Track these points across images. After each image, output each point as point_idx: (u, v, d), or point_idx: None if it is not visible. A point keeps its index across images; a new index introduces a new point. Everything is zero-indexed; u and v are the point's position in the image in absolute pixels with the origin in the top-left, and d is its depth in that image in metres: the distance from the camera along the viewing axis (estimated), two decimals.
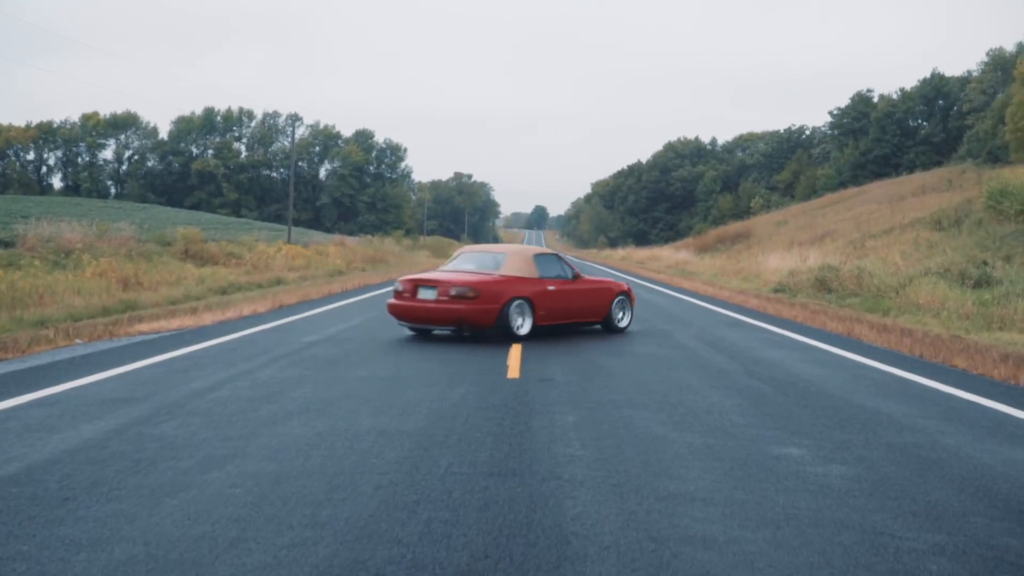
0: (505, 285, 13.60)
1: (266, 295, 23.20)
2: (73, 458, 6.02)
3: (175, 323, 15.78)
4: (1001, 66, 76.46)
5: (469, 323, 13.42)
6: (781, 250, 50.17)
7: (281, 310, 19.11)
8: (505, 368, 10.55)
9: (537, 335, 13.93)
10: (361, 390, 8.85)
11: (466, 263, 14.85)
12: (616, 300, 15.28)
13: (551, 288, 14.15)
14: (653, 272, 47.60)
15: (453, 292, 13.21)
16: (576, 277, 14.87)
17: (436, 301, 13.39)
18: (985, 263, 25.61)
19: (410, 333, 14.49)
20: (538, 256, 14.64)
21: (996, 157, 61.60)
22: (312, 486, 5.40)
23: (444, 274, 14.15)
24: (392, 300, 14.12)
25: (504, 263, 14.24)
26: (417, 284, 13.76)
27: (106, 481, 5.47)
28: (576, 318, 14.87)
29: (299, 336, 13.91)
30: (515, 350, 12.27)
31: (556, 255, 15.15)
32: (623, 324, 15.43)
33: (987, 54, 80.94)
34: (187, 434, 6.82)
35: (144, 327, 15.11)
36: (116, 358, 11.08)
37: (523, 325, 13.69)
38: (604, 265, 64.36)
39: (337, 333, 14.47)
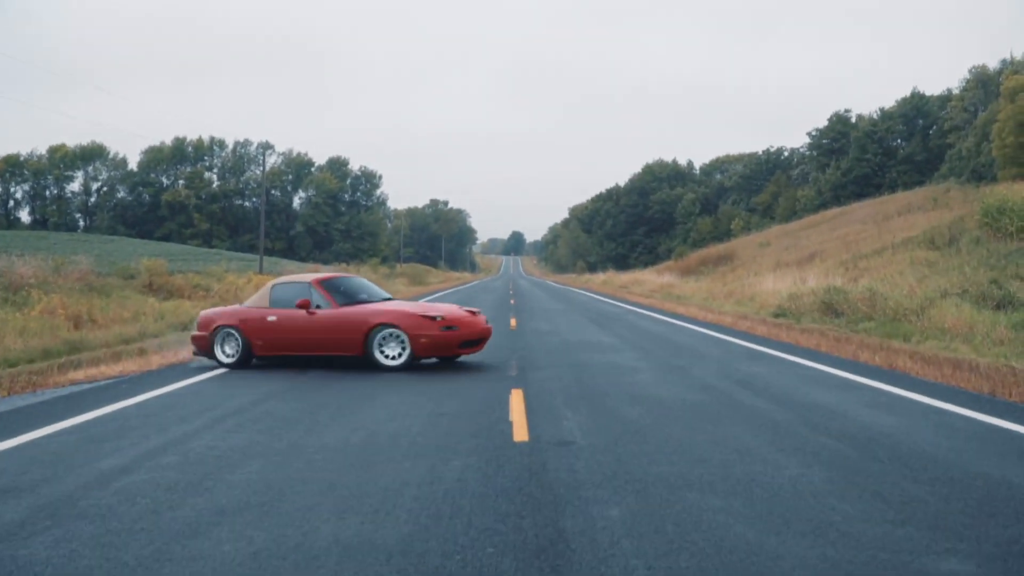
0: (217, 316, 14.43)
1: None
2: None
3: (117, 368, 13.66)
4: (983, 83, 75.55)
5: (197, 348, 14.52)
6: (767, 272, 48.67)
7: None
8: (508, 424, 8.41)
9: (536, 377, 11.89)
10: (324, 467, 6.67)
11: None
12: (375, 333, 13.25)
13: (271, 319, 13.84)
14: (639, 296, 45.57)
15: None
16: (333, 306, 13.69)
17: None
18: (996, 282, 23.95)
19: (387, 373, 12.51)
20: (278, 286, 14.57)
21: (980, 175, 60.67)
22: None
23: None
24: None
25: (256, 294, 15.07)
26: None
27: None
28: (314, 350, 13.74)
29: (256, 383, 11.74)
30: (516, 398, 10.14)
31: (309, 285, 14.17)
32: (390, 362, 13.20)
33: (969, 71, 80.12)
34: (62, 558, 4.67)
35: (79, 374, 13.00)
36: (24, 421, 8.93)
37: (231, 354, 14.04)
38: (586, 290, 62.28)
39: (303, 378, 12.30)
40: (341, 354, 13.54)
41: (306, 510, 5.50)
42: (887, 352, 14.99)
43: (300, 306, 13.54)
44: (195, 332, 14.49)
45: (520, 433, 7.95)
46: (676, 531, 5.03)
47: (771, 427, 8.36)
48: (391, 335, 13.24)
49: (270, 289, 14.45)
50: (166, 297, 32.20)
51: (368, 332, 13.21)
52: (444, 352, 13.47)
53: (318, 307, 13.63)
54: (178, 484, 6.20)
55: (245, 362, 13.89)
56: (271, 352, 13.95)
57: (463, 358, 14.22)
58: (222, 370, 13.37)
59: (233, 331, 13.96)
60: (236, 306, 15.07)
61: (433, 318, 13.19)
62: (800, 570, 4.43)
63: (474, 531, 5.03)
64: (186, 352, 15.53)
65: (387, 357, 13.22)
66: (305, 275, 15.43)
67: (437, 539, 4.89)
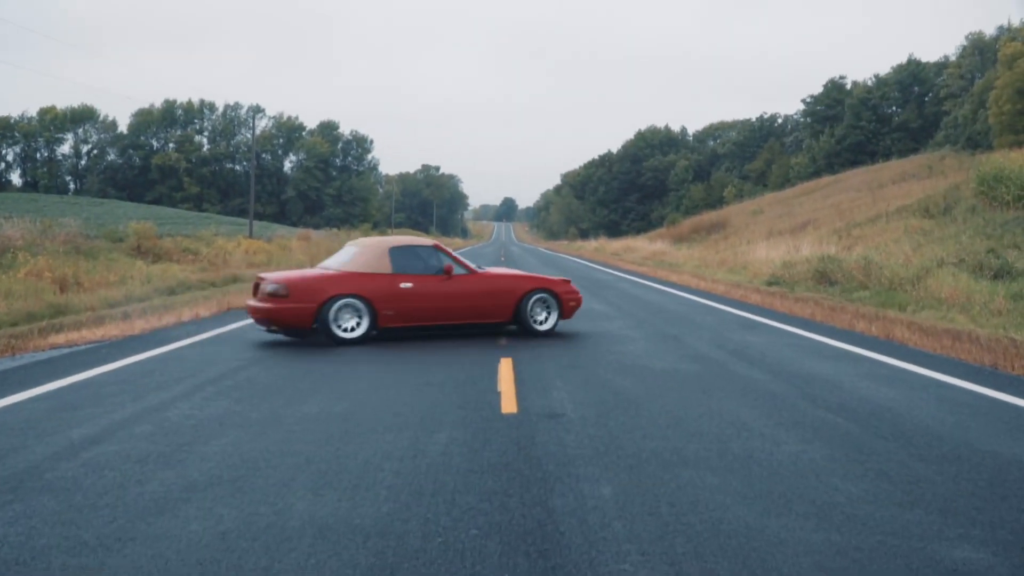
0: (328, 282, 12.21)
1: (216, 295, 20.64)
2: None
3: (99, 332, 13.30)
4: (980, 50, 75.01)
5: (279, 324, 12.13)
6: (760, 240, 48.36)
7: (228, 314, 16.60)
8: (496, 395, 8.12)
9: (527, 345, 11.62)
10: (303, 439, 6.37)
11: (341, 257, 13.37)
12: (528, 298, 13.16)
13: (405, 285, 12.45)
14: (632, 264, 45.24)
15: (268, 290, 12.12)
16: (471, 271, 13.10)
17: (258, 299, 12.33)
18: (992, 252, 23.69)
19: (372, 342, 12.18)
20: (396, 249, 12.88)
21: (976, 143, 60.28)
22: None
23: (277, 271, 13.11)
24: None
25: (352, 258, 12.89)
26: (258, 282, 12.64)
27: None
28: (454, 319, 12.96)
29: (239, 349, 11.43)
30: (505, 367, 9.85)
31: (433, 247, 13.24)
32: (539, 327, 13.16)
33: (966, 38, 79.55)
34: (20, 535, 4.38)
35: (60, 338, 12.66)
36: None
37: (356, 327, 12.20)
38: (578, 257, 61.95)
39: (287, 345, 11.99)
40: (483, 322, 13.03)
41: (281, 485, 5.21)
42: (884, 322, 14.74)
43: (446, 271, 12.68)
44: (288, 303, 11.93)
45: (508, 404, 7.66)
46: (671, 512, 4.76)
47: (768, 399, 8.09)
48: (540, 300, 13.19)
49: (389, 252, 12.71)
50: (154, 260, 31.72)
51: (522, 297, 13.03)
52: (570, 316, 13.68)
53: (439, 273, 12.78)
54: (149, 456, 5.91)
55: (364, 337, 12.21)
56: (400, 323, 12.53)
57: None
58: (205, 335, 13.03)
59: (356, 301, 12.15)
60: (323, 271, 12.85)
61: (568, 282, 13.66)
62: (804, 557, 4.15)
63: (457, 510, 4.75)
64: (170, 316, 15.21)
65: (536, 323, 13.11)
66: (403, 238, 14.08)
67: (418, 519, 4.60)
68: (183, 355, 10.90)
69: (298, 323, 12.03)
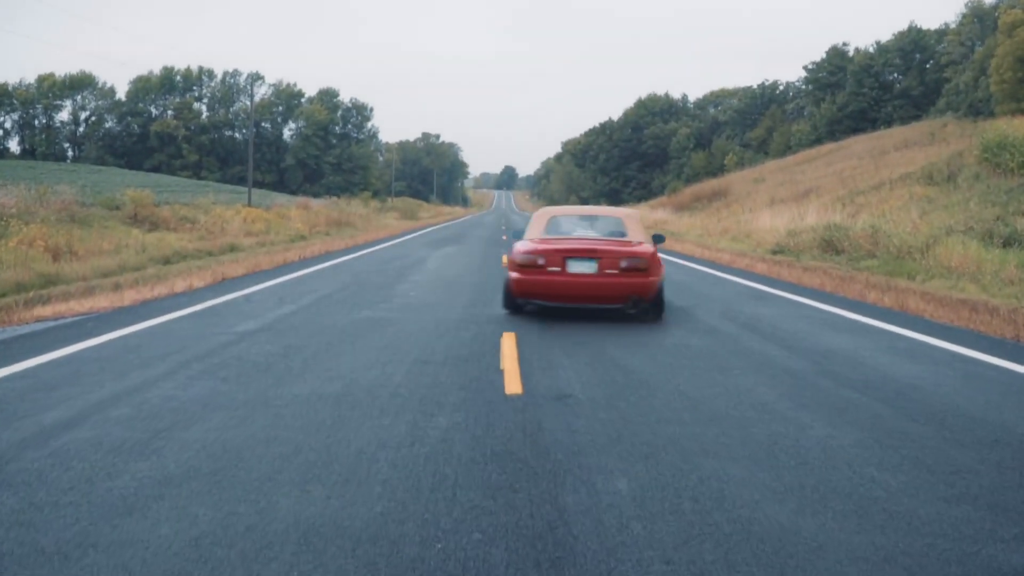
0: (655, 256, 11.61)
1: (211, 265, 20.17)
2: None
3: (88, 304, 12.84)
4: (980, 17, 74.09)
5: (642, 298, 11.21)
6: (762, 208, 47.89)
7: (222, 284, 16.13)
8: (499, 374, 7.65)
9: (530, 318, 11.18)
10: (291, 425, 5.90)
11: (573, 227, 12.62)
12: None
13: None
14: None
15: (624, 264, 11.08)
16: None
17: (601, 275, 11.09)
18: (1001, 219, 23.22)
19: (368, 316, 11.66)
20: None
21: (977, 110, 59.63)
22: None
23: (597, 243, 11.63)
24: (521, 275, 11.44)
25: (627, 228, 12.27)
26: (566, 255, 11.20)
27: None
28: None
29: (231, 323, 10.95)
30: (508, 341, 9.39)
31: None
32: None
33: (966, 5, 78.52)
34: None
35: (47, 310, 12.22)
36: None
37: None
38: None
39: (280, 318, 11.51)
40: None
41: (264, 480, 4.74)
42: (896, 292, 14.29)
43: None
44: (650, 278, 11.20)
45: (513, 384, 7.19)
46: (695, 510, 4.30)
47: (787, 377, 7.64)
48: None
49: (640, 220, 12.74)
50: (151, 229, 31.25)
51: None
52: None
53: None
54: (124, 444, 5.45)
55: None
56: None
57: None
58: (197, 308, 12.55)
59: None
60: (595, 241, 11.73)
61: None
62: (849, 565, 3.69)
63: (459, 509, 4.28)
64: (162, 287, 14.75)
65: None
66: (605, 208, 14.29)
67: (415, 520, 4.14)
68: (171, 329, 10.44)
69: (652, 296, 11.35)
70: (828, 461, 5.15)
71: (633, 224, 12.43)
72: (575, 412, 6.29)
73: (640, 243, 11.74)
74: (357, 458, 5.14)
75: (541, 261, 11.22)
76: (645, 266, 11.15)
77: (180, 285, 15.39)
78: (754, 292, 15.22)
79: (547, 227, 12.45)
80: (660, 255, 12.03)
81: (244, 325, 10.77)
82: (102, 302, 13.10)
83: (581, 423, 5.97)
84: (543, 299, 11.58)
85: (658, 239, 12.75)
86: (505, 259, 22.30)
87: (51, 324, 10.97)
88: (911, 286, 15.52)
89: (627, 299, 11.15)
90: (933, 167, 39.98)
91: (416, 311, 12.29)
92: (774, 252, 26.31)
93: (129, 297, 13.65)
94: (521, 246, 11.77)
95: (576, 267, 11.11)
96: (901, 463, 5.12)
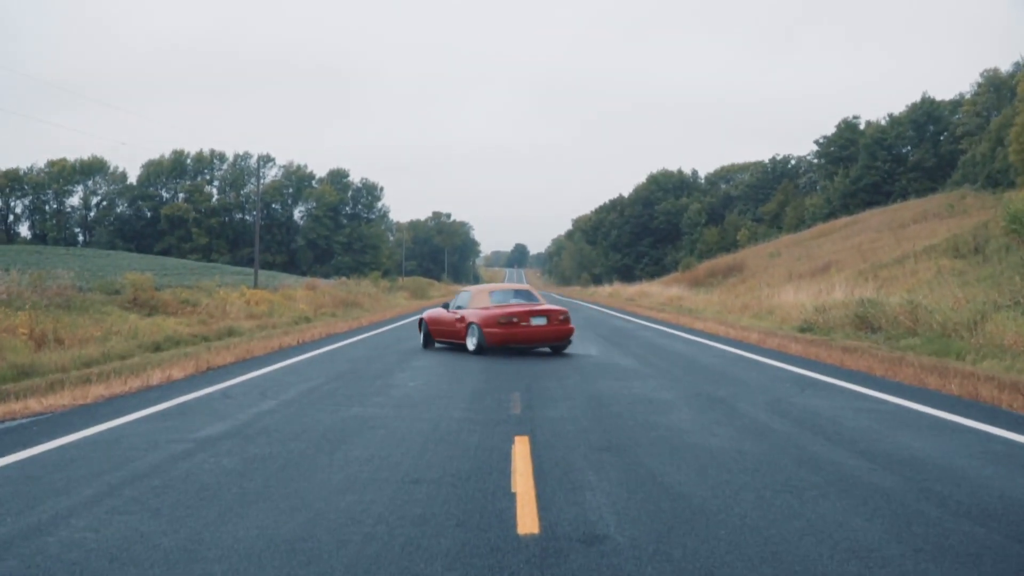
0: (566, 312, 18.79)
1: (201, 352, 18.59)
2: None
3: (48, 401, 11.36)
4: (996, 86, 73.41)
5: (568, 339, 18.42)
6: (780, 283, 46.53)
7: (204, 376, 14.57)
8: (511, 500, 5.96)
9: (546, 411, 9.54)
10: None
11: (502, 298, 19.30)
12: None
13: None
14: (649, 310, 43.10)
15: (561, 318, 18.18)
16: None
17: (550, 325, 17.99)
18: None
19: (357, 414, 10.01)
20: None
21: (996, 181, 58.72)
22: None
23: (538, 305, 18.72)
24: (496, 329, 17.64)
25: (535, 296, 19.95)
26: (531, 314, 17.90)
27: None
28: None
29: (194, 427, 9.31)
30: (521, 451, 7.69)
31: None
32: None
33: (981, 75, 78.07)
34: None
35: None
36: None
37: None
38: (593, 303, 59.82)
39: (254, 418, 9.86)
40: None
41: None
42: (959, 377, 12.56)
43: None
44: (567, 326, 18.42)
45: (527, 517, 5.48)
46: None
47: (881, 502, 5.94)
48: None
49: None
50: (150, 313, 29.83)
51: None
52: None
53: None
54: None
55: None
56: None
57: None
58: (164, 406, 10.94)
59: None
60: (532, 304, 18.95)
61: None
62: None
63: None
64: (136, 380, 13.20)
65: None
66: (513, 284, 23.88)
67: None
68: (121, 436, 8.82)
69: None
70: None
71: (537, 293, 20.51)
72: (612, 567, 4.59)
73: (554, 305, 19.62)
74: None
75: (515, 319, 17.68)
76: (567, 318, 18.31)
77: (157, 377, 13.86)
78: (796, 378, 13.54)
79: (490, 298, 19.10)
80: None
81: (209, 428, 9.14)
82: (64, 399, 11.58)
83: None
84: (514, 343, 17.79)
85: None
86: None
87: None
88: (975, 370, 13.80)
89: (556, 340, 18.12)
90: (958, 239, 38.69)
91: (414, 407, 10.62)
92: (802, 330, 24.70)
93: (95, 393, 12.11)
94: (491, 312, 18.07)
95: (536, 321, 17.81)
96: None
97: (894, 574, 4.47)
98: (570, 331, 18.07)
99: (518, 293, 19.72)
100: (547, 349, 18.50)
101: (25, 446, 8.24)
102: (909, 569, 4.54)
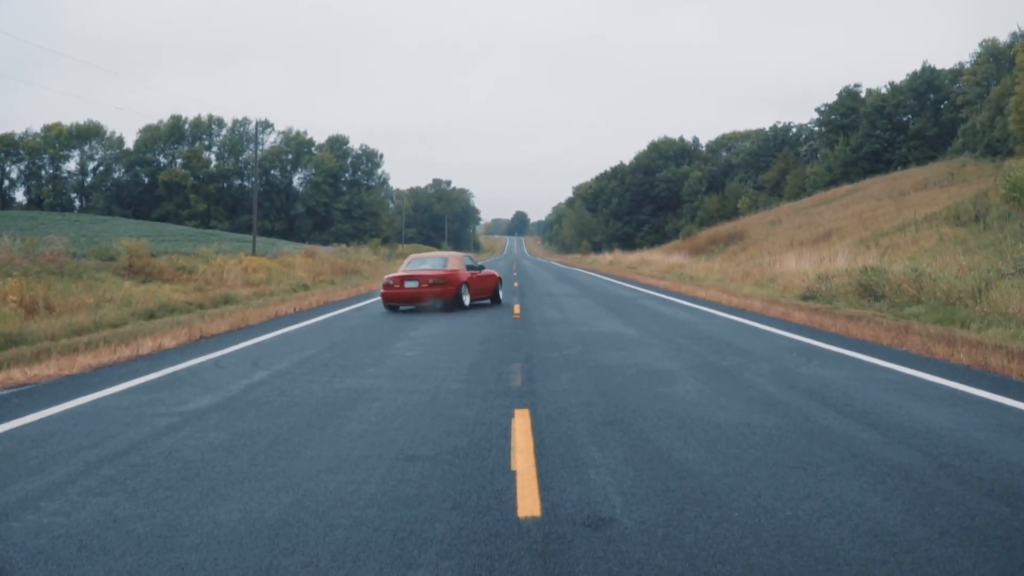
0: (455, 275, 21.73)
1: (194, 320, 18.27)
2: None
3: (32, 371, 11.06)
4: (995, 56, 72.76)
5: (445, 299, 21.27)
6: (781, 251, 46.15)
7: (196, 344, 14.25)
8: (510, 478, 5.65)
9: (549, 380, 9.20)
10: None
11: (420, 264, 22.83)
12: (498, 282, 24.80)
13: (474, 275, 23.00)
14: (650, 278, 42.72)
15: (431, 281, 21.23)
16: (480, 269, 24.17)
17: (421, 287, 21.17)
18: None
19: (352, 386, 9.68)
20: (464, 257, 23.99)
21: (995, 150, 58.44)
22: None
23: (422, 271, 21.75)
24: (384, 290, 21.79)
25: (449, 262, 22.76)
26: (403, 278, 21.45)
27: None
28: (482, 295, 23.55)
29: (182, 399, 9.00)
30: (521, 425, 7.37)
31: (470, 257, 24.80)
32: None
33: (980, 45, 77.44)
34: None
35: None
36: None
37: (466, 299, 21.81)
38: (594, 271, 59.45)
39: (245, 390, 9.55)
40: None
41: None
42: (968, 346, 12.22)
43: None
44: (448, 287, 21.51)
45: (528, 499, 5.16)
46: None
47: (899, 479, 5.63)
48: (499, 284, 25.43)
49: (463, 258, 23.89)
50: (145, 280, 29.44)
51: (496, 282, 24.90)
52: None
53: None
54: None
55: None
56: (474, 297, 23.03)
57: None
58: (152, 376, 10.63)
59: (465, 285, 22.21)
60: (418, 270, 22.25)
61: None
62: None
63: None
64: (126, 349, 12.89)
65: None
66: (444, 252, 27.82)
67: None
68: (104, 408, 8.51)
69: (448, 297, 21.38)
70: None
71: (454, 260, 23.02)
72: (620, 554, 4.27)
73: (453, 270, 21.95)
74: None
75: (391, 282, 21.63)
76: (444, 282, 21.28)
77: (148, 346, 13.54)
78: (802, 347, 13.21)
79: (407, 265, 22.83)
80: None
81: (197, 401, 8.83)
82: (49, 369, 11.28)
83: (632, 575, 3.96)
84: (397, 302, 21.55)
85: (475, 267, 23.86)
86: (517, 309, 20.46)
87: None
88: (983, 339, 13.50)
89: (436, 299, 21.14)
90: (959, 207, 38.44)
91: (411, 378, 10.30)
92: (804, 298, 24.39)
93: (82, 363, 11.80)
94: (389, 276, 22.30)
95: (408, 284, 21.28)
96: None
97: (921, 561, 4.15)
98: (442, 292, 21.10)
99: (430, 260, 23.27)
100: (559, 322, 18.17)
101: (2, 420, 7.92)
102: (936, 555, 4.23)
